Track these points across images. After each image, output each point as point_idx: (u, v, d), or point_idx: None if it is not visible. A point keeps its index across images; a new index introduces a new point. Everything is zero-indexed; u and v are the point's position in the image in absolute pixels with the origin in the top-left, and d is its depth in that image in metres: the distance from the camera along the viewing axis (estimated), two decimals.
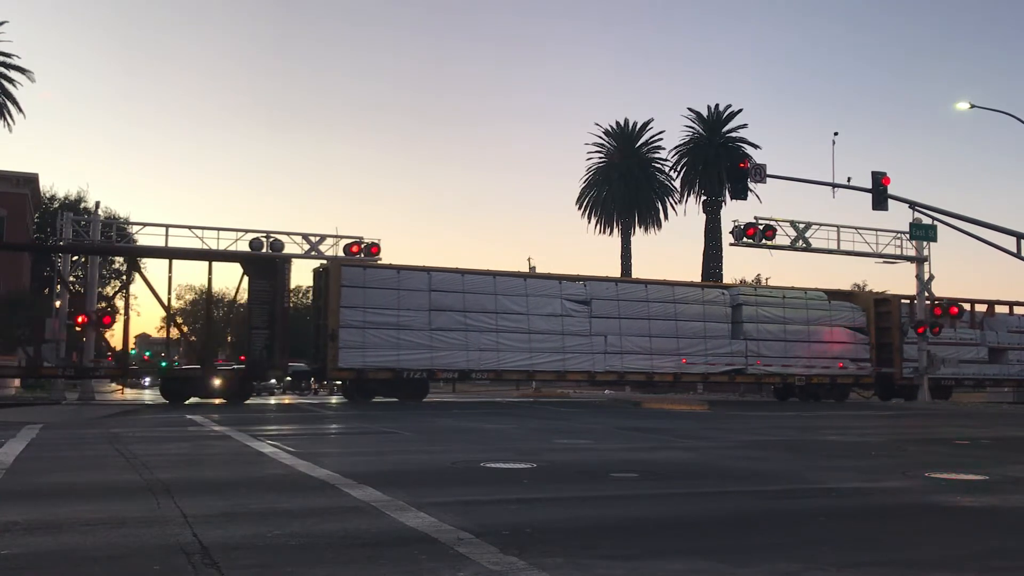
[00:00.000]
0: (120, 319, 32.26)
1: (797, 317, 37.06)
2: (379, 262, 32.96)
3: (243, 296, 31.40)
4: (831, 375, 37.54)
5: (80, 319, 30.48)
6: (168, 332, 33.84)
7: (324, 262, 32.72)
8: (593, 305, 34.07)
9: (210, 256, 30.34)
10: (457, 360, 31.88)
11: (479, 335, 32.12)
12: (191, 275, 74.83)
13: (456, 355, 31.75)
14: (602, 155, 59.22)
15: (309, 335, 35.29)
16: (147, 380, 50.07)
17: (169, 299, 34.03)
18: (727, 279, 54.37)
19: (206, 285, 30.73)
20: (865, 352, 38.41)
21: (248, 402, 29.49)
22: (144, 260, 33.89)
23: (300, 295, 63.93)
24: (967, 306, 40.80)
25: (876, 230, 37.71)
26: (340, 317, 30.36)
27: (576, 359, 33.51)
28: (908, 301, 39.53)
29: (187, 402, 28.79)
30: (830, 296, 39.14)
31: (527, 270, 38.28)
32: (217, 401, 29.15)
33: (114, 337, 36.37)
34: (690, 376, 36.71)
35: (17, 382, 34.91)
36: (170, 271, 29.48)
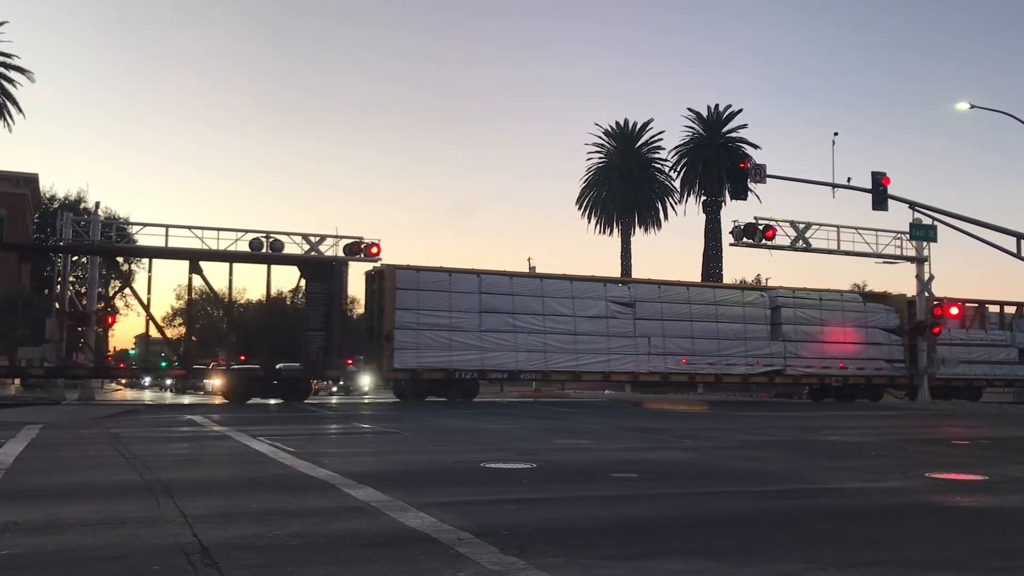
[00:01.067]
0: (115, 320, 32.36)
1: (833, 319, 37.69)
2: (431, 265, 33.73)
3: (254, 295, 31.88)
4: (867, 376, 38.16)
5: (78, 318, 30.54)
6: (148, 331, 33.78)
7: (377, 265, 33.43)
8: (637, 307, 34.91)
9: (268, 260, 31.44)
10: (506, 361, 32.54)
11: (527, 336, 32.87)
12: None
13: (505, 356, 32.41)
14: (602, 155, 59.23)
15: (359, 337, 35.96)
16: (147, 380, 50.07)
17: (191, 299, 34.20)
18: (727, 279, 54.39)
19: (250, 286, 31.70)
20: (899, 353, 38.92)
21: (307, 401, 30.29)
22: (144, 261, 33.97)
23: (300, 295, 63.77)
24: (996, 308, 41.59)
25: (876, 230, 37.71)
26: (395, 319, 31.08)
27: (620, 360, 34.27)
28: (938, 303, 40.02)
29: (248, 402, 29.42)
30: (865, 298, 40.17)
31: (527, 269, 38.27)
32: (272, 401, 29.82)
33: (114, 337, 36.41)
34: (731, 377, 37.19)
35: (17, 382, 34.93)
36: (200, 272, 30.26)
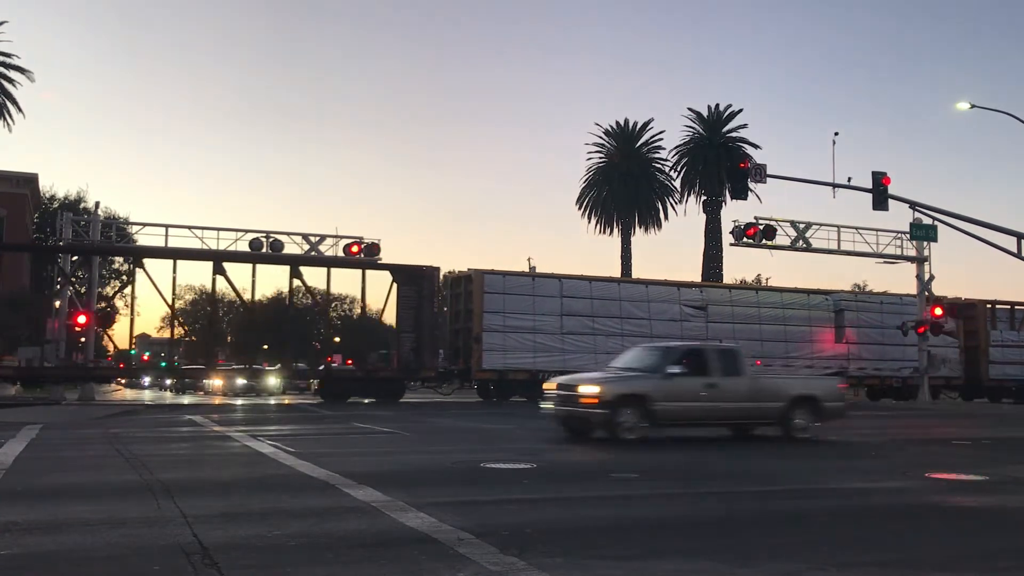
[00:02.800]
0: (115, 320, 32.45)
1: (893, 322, 38.37)
2: (516, 270, 34.94)
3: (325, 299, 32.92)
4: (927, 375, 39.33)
5: (78, 318, 30.55)
6: (171, 331, 34.13)
7: (461, 270, 35.02)
8: (709, 310, 36.12)
9: (363, 265, 33.00)
10: (586, 363, 33.08)
11: (606, 339, 33.67)
12: (192, 276, 74.72)
13: (585, 358, 32.81)
14: (602, 155, 59.12)
15: (446, 339, 36.60)
16: (147, 380, 50.05)
17: (253, 301, 34.54)
18: (727, 279, 54.35)
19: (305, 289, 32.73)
20: (954, 355, 39.73)
21: (402, 400, 31.32)
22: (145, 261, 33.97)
23: (300, 295, 63.74)
24: None
25: (876, 230, 37.68)
26: (484, 322, 32.24)
27: None
28: (989, 306, 40.93)
29: (348, 401, 30.31)
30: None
31: (530, 269, 38.24)
32: (365, 400, 30.58)
33: (114, 336, 36.48)
34: None
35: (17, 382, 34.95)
36: (253, 275, 31.58)
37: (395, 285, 32.26)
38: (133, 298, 33.14)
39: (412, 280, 32.26)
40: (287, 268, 32.28)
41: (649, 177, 57.46)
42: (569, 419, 14.06)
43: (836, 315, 38.31)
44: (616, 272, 53.88)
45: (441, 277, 37.60)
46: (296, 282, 31.95)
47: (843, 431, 17.41)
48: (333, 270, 32.34)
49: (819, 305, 38.45)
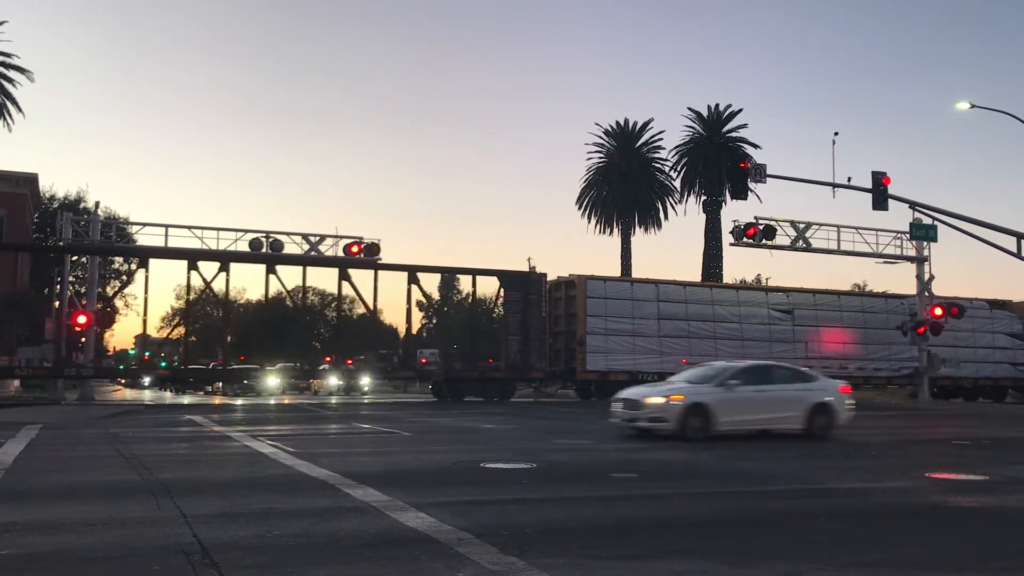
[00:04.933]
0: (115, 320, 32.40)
1: (963, 325, 38.95)
2: (615, 276, 36.76)
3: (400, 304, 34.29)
4: (994, 377, 40.42)
5: (78, 318, 30.53)
6: (227, 338, 34.51)
7: (562, 276, 35.92)
8: (795, 314, 37.52)
9: (474, 272, 34.69)
10: (683, 365, 34.09)
11: (700, 341, 35.21)
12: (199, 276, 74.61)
13: (683, 359, 34.24)
14: (602, 155, 59.06)
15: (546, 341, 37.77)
16: (147, 380, 50.03)
17: (348, 307, 34.72)
18: (727, 279, 54.31)
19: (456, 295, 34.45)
20: (1022, 357, 40.81)
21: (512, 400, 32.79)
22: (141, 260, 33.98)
23: (299, 295, 63.70)
24: None
25: (876, 230, 37.64)
26: (587, 325, 33.52)
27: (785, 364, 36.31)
28: None
29: (464, 399, 31.71)
30: (990, 305, 42.15)
31: (530, 269, 38.25)
32: (472, 399, 31.83)
33: (114, 337, 36.49)
34: (877, 380, 39.10)
35: (17, 382, 34.94)
36: (304, 278, 32.52)
37: (503, 290, 33.98)
38: (146, 299, 32.92)
39: (518, 285, 33.79)
40: (296, 268, 32.68)
41: (649, 177, 57.41)
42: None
43: (911, 318, 39.13)
44: (616, 271, 53.88)
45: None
46: (345, 285, 32.78)
47: (844, 431, 17.41)
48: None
49: (896, 309, 39.62)
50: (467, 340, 37.67)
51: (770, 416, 15.40)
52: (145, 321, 31.55)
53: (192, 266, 30.63)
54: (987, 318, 40.89)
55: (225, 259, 31.42)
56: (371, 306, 33.95)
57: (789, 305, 37.80)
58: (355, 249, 33.34)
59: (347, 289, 33.42)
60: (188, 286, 32.73)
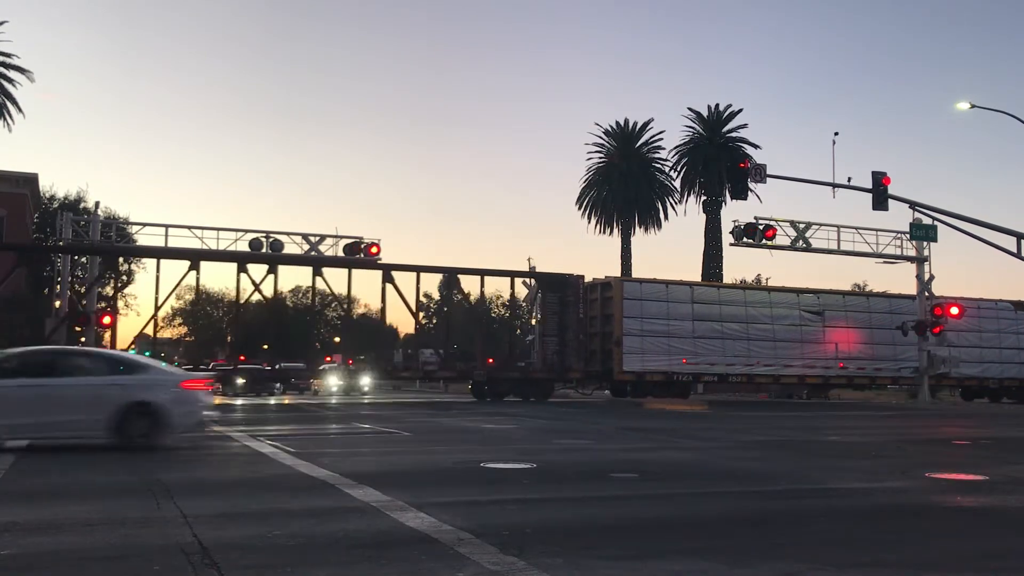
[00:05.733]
0: (114, 319, 32.44)
1: (989, 326, 40.28)
2: (650, 278, 37.03)
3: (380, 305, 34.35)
4: (1020, 378, 40.80)
5: (103, 319, 30.69)
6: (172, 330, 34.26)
7: (597, 278, 36.62)
8: (825, 315, 38.01)
9: (511, 274, 35.30)
10: (716, 366, 35.51)
11: (733, 343, 35.87)
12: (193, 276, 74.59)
13: (714, 359, 35.38)
14: (602, 155, 59.08)
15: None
16: None
17: (390, 309, 34.82)
18: (727, 279, 54.34)
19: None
20: None
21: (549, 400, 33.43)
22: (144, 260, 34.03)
23: (300, 295, 63.76)
24: None
25: (876, 230, 37.67)
26: (623, 327, 34.11)
27: (813, 364, 37.25)
28: None
29: (505, 399, 32.56)
30: (1016, 306, 42.50)
31: (530, 269, 38.24)
32: (510, 398, 32.60)
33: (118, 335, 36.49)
34: (906, 380, 39.53)
35: None
36: (349, 280, 34.12)
37: (539, 292, 34.76)
38: (165, 301, 32.95)
39: (556, 287, 34.43)
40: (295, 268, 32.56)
41: (649, 177, 57.40)
42: None
43: (935, 319, 40.01)
44: (616, 272, 53.88)
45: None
46: (388, 286, 33.11)
47: (845, 431, 17.40)
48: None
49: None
50: (505, 342, 38.79)
51: (47, 420, 11.57)
52: (156, 320, 31.65)
53: (194, 266, 30.65)
54: (1012, 319, 41.36)
55: (227, 259, 31.50)
56: (391, 307, 34.07)
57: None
58: (355, 249, 33.40)
59: (354, 290, 33.66)
60: (197, 287, 32.78)
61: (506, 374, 33.92)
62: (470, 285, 42.82)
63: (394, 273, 32.82)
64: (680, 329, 35.04)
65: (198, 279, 31.45)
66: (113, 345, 35.53)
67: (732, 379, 37.23)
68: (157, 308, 31.17)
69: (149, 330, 32.68)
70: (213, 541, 5.74)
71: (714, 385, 40.37)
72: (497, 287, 35.68)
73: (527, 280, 36.12)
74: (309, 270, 32.69)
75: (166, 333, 78.13)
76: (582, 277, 35.08)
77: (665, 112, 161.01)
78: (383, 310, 36.06)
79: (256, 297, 33.44)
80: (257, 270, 31.73)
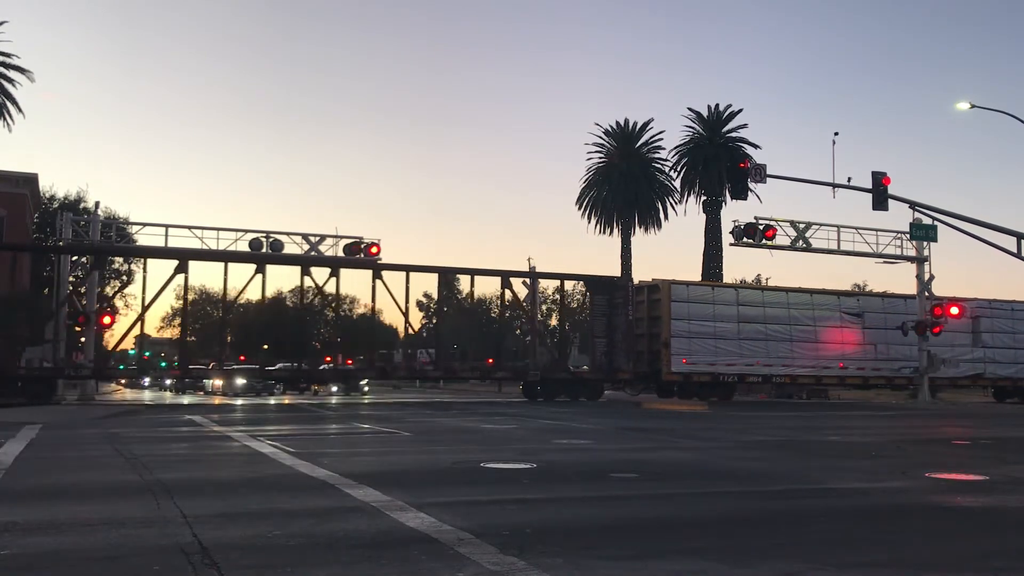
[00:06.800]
0: (114, 319, 32.42)
1: (1022, 328, 41.33)
2: (697, 281, 38.49)
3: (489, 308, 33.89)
4: None
5: (104, 319, 30.74)
6: (178, 334, 34.22)
7: (643, 280, 37.86)
8: (865, 317, 39.06)
9: (561, 277, 36.60)
10: (760, 366, 36.71)
11: (777, 344, 37.07)
12: (193, 277, 74.73)
13: (758, 360, 36.53)
14: (602, 155, 59.05)
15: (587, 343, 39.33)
16: (146, 380, 50.03)
17: (411, 312, 35.86)
18: (727, 279, 54.34)
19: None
20: None
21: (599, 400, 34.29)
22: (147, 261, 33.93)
23: (301, 295, 63.58)
24: None
25: (876, 230, 37.75)
26: (671, 328, 35.19)
27: (853, 365, 38.40)
28: None
29: (556, 399, 33.34)
30: None
31: (530, 269, 38.22)
32: (541, 399, 33.14)
33: (114, 337, 36.49)
34: (941, 380, 40.15)
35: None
36: (407, 284, 32.87)
37: (589, 293, 35.71)
38: (153, 301, 32.94)
39: (604, 289, 35.35)
40: (295, 268, 32.65)
41: (649, 177, 57.39)
42: None
43: (973, 321, 40.71)
44: (616, 271, 53.88)
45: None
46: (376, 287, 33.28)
47: (845, 431, 17.43)
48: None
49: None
50: (555, 344, 39.62)
51: None
52: (143, 320, 31.65)
53: (182, 266, 30.71)
54: None
55: (216, 259, 31.49)
56: (403, 307, 33.64)
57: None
58: (355, 249, 33.38)
59: (355, 290, 33.78)
60: (186, 286, 32.77)
61: (557, 375, 34.70)
62: (484, 287, 43.74)
63: (399, 273, 32.70)
64: (726, 331, 35.94)
65: (187, 279, 31.43)
66: (114, 346, 35.61)
67: (775, 379, 38.21)
68: (144, 308, 31.21)
69: (138, 330, 32.63)
70: (213, 541, 5.74)
71: (757, 386, 41.05)
72: (514, 288, 35.90)
73: (526, 280, 36.28)
74: (310, 270, 32.68)
75: (166, 333, 78.21)
76: (631, 280, 36.10)
77: (665, 112, 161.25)
78: (373, 308, 36.53)
79: (256, 297, 33.48)
80: (249, 270, 31.78)
